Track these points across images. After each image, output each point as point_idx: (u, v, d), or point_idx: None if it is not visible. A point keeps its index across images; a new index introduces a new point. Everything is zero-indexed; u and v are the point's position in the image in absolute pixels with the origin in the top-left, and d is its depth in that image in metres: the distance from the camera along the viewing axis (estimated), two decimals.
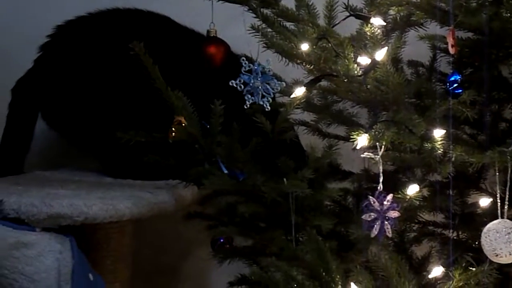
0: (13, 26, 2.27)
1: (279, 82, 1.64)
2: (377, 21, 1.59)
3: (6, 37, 2.26)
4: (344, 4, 1.65)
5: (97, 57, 1.95)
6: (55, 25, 2.02)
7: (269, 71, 1.63)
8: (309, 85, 1.68)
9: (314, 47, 1.66)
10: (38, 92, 1.98)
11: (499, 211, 1.53)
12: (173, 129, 1.67)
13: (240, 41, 1.67)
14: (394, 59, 1.70)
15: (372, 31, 1.58)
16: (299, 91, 1.67)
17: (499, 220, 1.53)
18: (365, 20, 1.61)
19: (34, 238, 1.62)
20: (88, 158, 2.05)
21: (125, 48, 1.70)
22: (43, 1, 2.28)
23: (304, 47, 1.66)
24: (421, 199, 1.58)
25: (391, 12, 1.67)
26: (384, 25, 1.63)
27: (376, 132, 1.54)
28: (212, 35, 1.72)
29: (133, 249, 1.91)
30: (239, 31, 1.67)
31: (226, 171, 1.69)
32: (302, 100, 1.71)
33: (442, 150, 1.55)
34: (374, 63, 1.57)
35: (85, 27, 2.01)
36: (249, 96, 1.63)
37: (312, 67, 1.68)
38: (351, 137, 1.55)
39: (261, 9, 1.69)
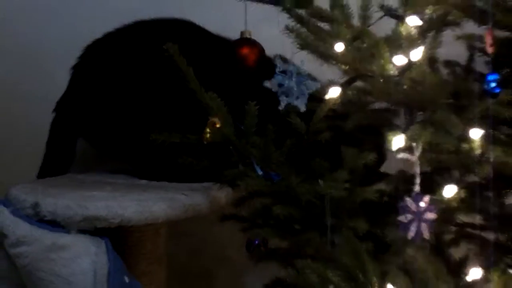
0: (50, 33, 2.37)
1: (314, 83, 1.70)
2: (412, 21, 1.62)
3: (43, 44, 2.37)
4: (379, 3, 1.69)
5: (128, 68, 2.02)
6: (84, 46, 2.10)
7: (304, 71, 1.69)
8: (344, 86, 1.72)
9: (349, 47, 1.70)
10: (75, 113, 2.07)
11: None
12: (208, 130, 1.72)
13: (274, 42, 1.71)
14: (430, 59, 1.71)
15: (408, 30, 1.61)
16: (334, 92, 1.71)
17: None
18: (401, 19, 1.64)
19: (70, 240, 1.67)
20: (123, 162, 2.11)
21: (155, 56, 1.78)
22: (78, 9, 2.37)
23: (339, 47, 1.70)
24: (458, 200, 1.60)
25: (427, 11, 1.67)
26: (420, 25, 1.65)
27: (413, 133, 1.57)
28: (245, 36, 1.78)
29: (167, 251, 1.95)
30: (273, 32, 1.71)
31: (260, 173, 1.72)
32: (337, 101, 1.74)
33: (480, 151, 1.57)
34: (410, 63, 1.60)
35: (113, 42, 2.08)
36: (284, 97, 1.69)
37: (347, 67, 1.72)
38: (388, 138, 1.57)
39: (295, 10, 1.74)
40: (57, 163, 2.10)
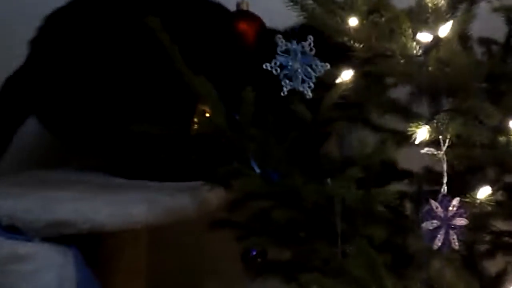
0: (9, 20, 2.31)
1: (323, 64, 1.61)
2: None
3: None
4: None
5: (98, 41, 1.93)
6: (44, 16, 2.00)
7: (310, 50, 1.60)
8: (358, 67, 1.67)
9: (364, 21, 1.64)
10: (31, 93, 1.97)
11: None
12: (196, 120, 1.68)
13: (276, 15, 1.66)
14: (462, 35, 1.67)
15: (435, 1, 1.57)
16: (347, 75, 1.65)
17: None
18: None
19: (31, 250, 1.60)
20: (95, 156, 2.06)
21: (133, 28, 1.77)
22: None
23: (353, 21, 1.64)
24: (494, 204, 1.54)
25: None
26: None
27: (439, 124, 1.52)
28: (242, 9, 1.75)
29: (148, 262, 1.91)
30: (274, 4, 1.65)
31: (258, 171, 1.66)
32: (350, 85, 1.68)
33: None
34: (437, 41, 1.55)
35: (79, 9, 1.98)
36: (287, 81, 1.63)
37: (362, 45, 1.66)
38: (409, 129, 1.53)
39: None
40: None
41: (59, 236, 1.62)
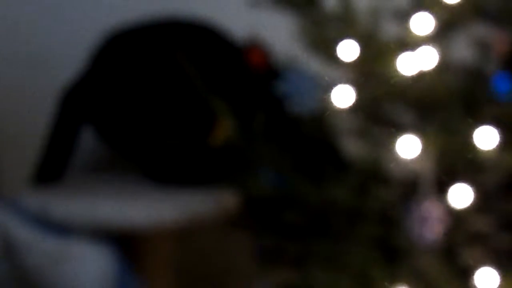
0: (53, 28, 2.42)
1: (323, 84, 1.71)
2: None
3: (45, 40, 2.42)
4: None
5: (142, 73, 2.13)
6: (111, 27, 2.13)
7: (311, 73, 1.79)
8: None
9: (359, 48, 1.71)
10: (87, 101, 2.11)
11: None
12: (218, 133, 1.87)
13: (280, 41, 1.81)
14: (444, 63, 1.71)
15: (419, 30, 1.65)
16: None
17: None
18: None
19: (78, 248, 1.72)
20: (127, 163, 2.15)
21: (165, 62, 2.00)
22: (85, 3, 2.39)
23: (348, 47, 1.72)
24: (471, 202, 1.63)
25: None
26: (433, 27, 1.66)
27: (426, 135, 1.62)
28: (253, 42, 1.93)
29: (177, 261, 1.99)
30: (279, 31, 1.79)
31: (270, 177, 1.80)
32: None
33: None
34: (420, 73, 1.65)
35: (144, 34, 2.18)
36: (292, 101, 1.81)
37: (355, 69, 1.74)
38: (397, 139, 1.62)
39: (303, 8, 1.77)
40: (60, 154, 2.11)
41: (102, 236, 1.73)
